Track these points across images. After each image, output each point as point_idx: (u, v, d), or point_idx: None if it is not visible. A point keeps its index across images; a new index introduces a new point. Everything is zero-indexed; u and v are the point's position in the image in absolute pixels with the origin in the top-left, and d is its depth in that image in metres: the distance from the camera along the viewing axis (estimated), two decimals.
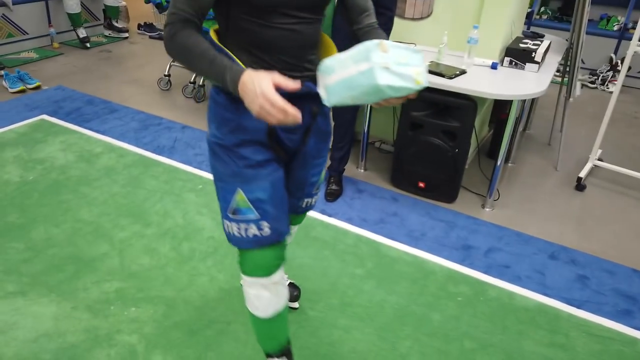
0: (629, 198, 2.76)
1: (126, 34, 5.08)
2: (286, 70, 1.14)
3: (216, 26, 1.18)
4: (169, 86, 3.84)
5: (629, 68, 4.16)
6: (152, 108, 3.52)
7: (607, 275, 2.13)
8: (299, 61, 1.17)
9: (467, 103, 2.39)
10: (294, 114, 0.95)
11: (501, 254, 2.23)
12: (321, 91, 1.10)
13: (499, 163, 2.49)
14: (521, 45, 2.62)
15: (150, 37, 5.17)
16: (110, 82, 3.97)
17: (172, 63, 3.84)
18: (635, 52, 2.59)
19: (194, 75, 3.71)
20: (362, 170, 2.87)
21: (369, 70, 0.98)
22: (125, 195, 2.48)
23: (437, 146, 2.49)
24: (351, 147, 2.66)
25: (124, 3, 5.05)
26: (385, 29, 1.64)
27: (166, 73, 3.82)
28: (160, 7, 3.51)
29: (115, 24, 5.04)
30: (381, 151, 3.09)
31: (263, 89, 0.94)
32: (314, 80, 1.20)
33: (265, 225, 1.24)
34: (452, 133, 2.46)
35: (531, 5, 4.77)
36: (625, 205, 2.69)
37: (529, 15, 4.76)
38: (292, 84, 0.98)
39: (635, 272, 2.15)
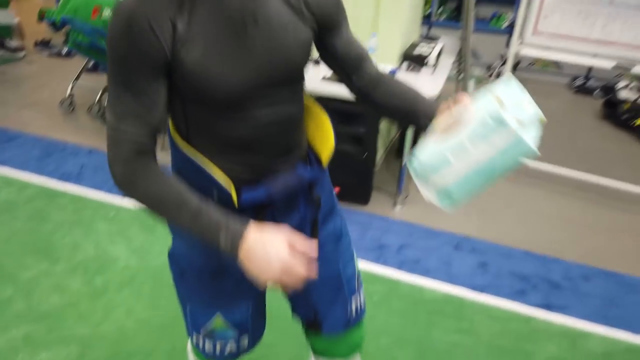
0: (525, 185, 3.03)
1: (22, 53, 4.75)
2: (273, 160, 0.93)
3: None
4: (72, 108, 3.66)
5: (518, 62, 4.56)
6: (55, 132, 3.34)
7: (503, 259, 2.34)
8: (287, 146, 0.95)
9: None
10: (315, 269, 0.81)
11: (412, 249, 2.37)
12: (432, 197, 0.88)
13: (405, 162, 2.65)
14: (415, 51, 2.79)
15: (50, 54, 4.87)
16: (6, 107, 3.71)
17: (74, 82, 3.66)
18: (515, 52, 2.85)
19: (99, 94, 3.56)
20: None
21: (516, 142, 0.74)
22: (28, 231, 2.35)
23: (347, 152, 2.59)
24: None
25: (16, 19, 4.72)
26: None
27: (68, 93, 3.64)
28: (54, 26, 3.33)
29: (8, 43, 4.69)
30: None
31: (282, 259, 0.77)
32: (302, 158, 0.99)
33: (245, 339, 1.12)
34: (359, 138, 2.57)
35: (430, 7, 5.05)
36: (520, 193, 2.96)
37: (429, 16, 5.05)
38: (311, 247, 0.80)
39: (527, 254, 2.39)
